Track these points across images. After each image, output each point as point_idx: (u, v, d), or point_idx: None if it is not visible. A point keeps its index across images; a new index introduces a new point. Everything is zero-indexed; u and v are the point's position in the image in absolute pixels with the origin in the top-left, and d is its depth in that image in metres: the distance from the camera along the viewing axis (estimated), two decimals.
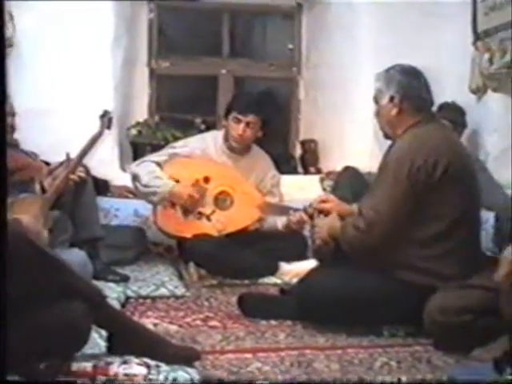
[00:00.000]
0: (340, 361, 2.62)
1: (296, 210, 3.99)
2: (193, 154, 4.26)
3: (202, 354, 2.52)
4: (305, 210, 3.78)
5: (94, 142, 3.55)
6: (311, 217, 3.74)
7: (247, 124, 4.16)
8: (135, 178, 4.15)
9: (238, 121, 4.16)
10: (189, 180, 4.16)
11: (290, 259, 4.08)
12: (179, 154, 4.26)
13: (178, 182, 4.15)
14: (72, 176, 3.38)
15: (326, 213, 3.33)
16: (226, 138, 4.28)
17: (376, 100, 3.15)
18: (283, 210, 4.15)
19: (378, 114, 3.17)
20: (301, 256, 4.13)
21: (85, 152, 3.46)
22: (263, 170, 4.39)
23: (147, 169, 4.14)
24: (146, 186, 4.09)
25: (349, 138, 5.40)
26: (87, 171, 3.62)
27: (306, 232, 4.28)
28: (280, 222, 4.19)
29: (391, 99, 3.06)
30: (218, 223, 4.13)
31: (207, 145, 4.30)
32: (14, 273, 2.18)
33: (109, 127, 3.73)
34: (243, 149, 4.30)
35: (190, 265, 4.01)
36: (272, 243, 4.13)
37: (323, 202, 3.40)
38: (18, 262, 2.20)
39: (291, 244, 4.19)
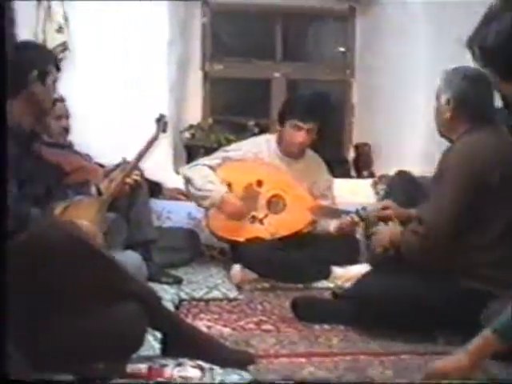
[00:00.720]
0: (394, 367, 2.58)
1: (348, 212, 3.97)
2: (245, 158, 4.27)
3: (256, 358, 2.51)
4: (357, 213, 3.76)
5: (149, 145, 3.56)
6: (363, 219, 3.73)
7: (307, 131, 4.15)
8: (188, 181, 4.18)
9: (299, 128, 4.14)
10: (241, 184, 4.17)
11: (342, 263, 4.05)
12: (232, 157, 4.27)
13: (230, 185, 4.16)
14: (128, 179, 3.40)
15: (386, 220, 3.31)
16: (280, 142, 4.27)
17: (436, 97, 3.11)
18: (335, 212, 4.12)
19: (436, 111, 3.13)
20: (353, 260, 4.11)
21: (141, 155, 3.48)
22: (316, 174, 4.38)
23: (201, 172, 4.16)
24: (199, 189, 4.11)
25: (403, 141, 5.35)
26: (142, 175, 3.64)
27: (359, 235, 4.27)
28: (332, 224, 4.16)
29: (447, 102, 3.03)
30: (270, 227, 4.13)
31: (260, 148, 4.30)
32: (72, 274, 2.23)
33: (164, 131, 3.74)
34: (298, 153, 4.29)
35: (234, 266, 4.00)
36: (324, 247, 4.10)
37: (384, 208, 3.38)
38: (75, 264, 2.23)
39: (343, 248, 4.16)
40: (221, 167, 4.23)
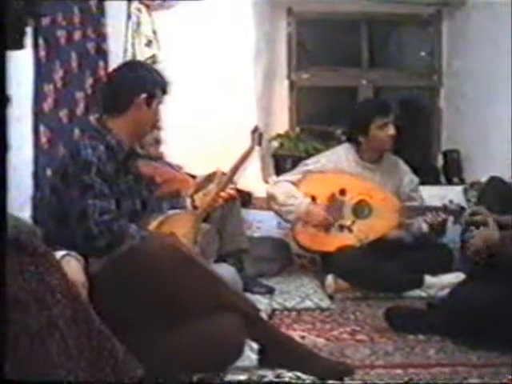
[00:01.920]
0: (494, 379, 2.54)
1: (436, 208, 3.94)
2: (326, 169, 4.27)
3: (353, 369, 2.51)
4: (445, 208, 3.74)
5: (245, 158, 3.53)
6: (452, 213, 3.70)
7: (392, 123, 4.18)
8: (271, 197, 4.22)
9: (386, 124, 4.16)
10: (325, 195, 4.18)
11: (434, 271, 4.01)
12: (312, 170, 4.28)
13: (314, 198, 4.18)
14: (222, 193, 3.38)
15: (477, 225, 3.27)
16: (362, 150, 4.26)
17: None
18: (423, 211, 4.10)
19: None
20: (446, 268, 4.06)
21: (236, 168, 3.45)
22: (399, 176, 4.36)
23: (283, 188, 4.19)
24: (282, 205, 4.15)
25: (493, 147, 5.25)
26: (236, 188, 3.64)
27: (452, 244, 4.22)
28: (424, 225, 4.13)
29: None
30: (359, 233, 4.12)
31: (339, 158, 4.31)
32: (171, 285, 2.27)
33: (259, 144, 3.73)
34: (377, 157, 4.29)
35: (327, 277, 4.00)
36: (416, 255, 4.08)
37: (474, 214, 3.34)
38: (175, 275, 2.27)
39: (436, 256, 4.13)
40: (302, 182, 4.24)
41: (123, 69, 3.15)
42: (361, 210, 4.19)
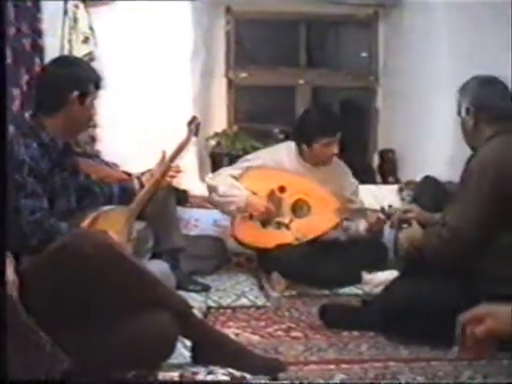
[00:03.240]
0: (425, 374, 2.57)
1: (374, 211, 3.99)
2: (267, 166, 4.28)
3: (286, 366, 2.51)
4: (382, 210, 3.79)
5: (181, 149, 3.53)
6: (389, 216, 3.74)
7: (338, 141, 4.17)
8: (212, 188, 4.20)
9: (330, 143, 4.15)
10: (264, 191, 4.19)
11: (370, 269, 4.05)
12: (253, 166, 4.28)
13: (253, 194, 4.18)
14: (168, 175, 3.40)
15: (408, 222, 3.32)
16: (301, 152, 4.28)
17: (457, 112, 3.14)
18: (361, 212, 4.14)
19: (461, 125, 3.15)
20: (381, 265, 4.11)
21: (173, 159, 3.46)
22: (341, 179, 4.39)
23: (224, 180, 4.19)
24: (223, 195, 4.14)
25: (428, 147, 5.32)
26: (169, 183, 3.63)
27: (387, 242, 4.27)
28: (361, 225, 4.18)
29: (467, 111, 3.04)
30: (297, 231, 4.13)
31: (281, 156, 4.32)
32: (102, 283, 2.25)
33: (196, 134, 3.71)
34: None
35: (274, 274, 4.00)
36: (354, 252, 4.11)
37: (406, 212, 3.40)
38: (105, 272, 2.25)
39: (372, 253, 4.17)
40: (243, 177, 4.24)
41: (54, 65, 3.10)
42: (299, 208, 4.21)
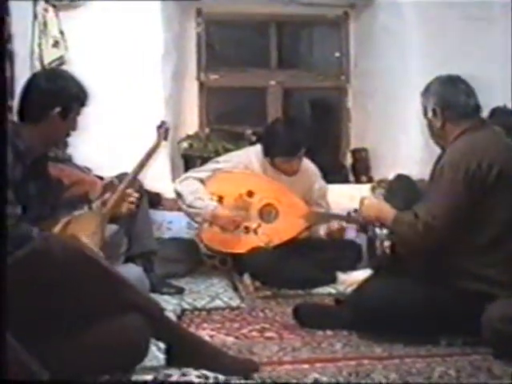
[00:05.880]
0: (398, 371, 2.58)
1: (340, 217, 4.00)
2: (236, 169, 4.27)
3: (259, 366, 2.52)
4: (348, 216, 3.79)
5: (151, 154, 3.51)
6: (353, 222, 3.76)
7: (298, 158, 4.19)
8: (179, 196, 4.20)
9: (290, 160, 4.18)
10: (232, 195, 4.19)
11: (344, 268, 4.08)
12: (222, 168, 4.28)
13: (221, 198, 4.19)
14: (129, 191, 3.31)
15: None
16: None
17: (424, 113, 3.16)
18: (329, 217, 4.14)
19: (428, 126, 3.17)
20: (355, 265, 4.13)
21: (143, 164, 3.42)
22: (309, 182, 4.39)
23: (190, 188, 4.17)
24: (189, 206, 4.14)
25: (400, 145, 5.36)
26: (141, 186, 3.61)
27: (359, 240, 4.29)
28: (322, 229, 4.19)
29: (434, 112, 3.06)
30: (264, 236, 4.14)
31: (250, 160, 4.31)
32: (73, 287, 2.24)
33: (165, 138, 3.70)
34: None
35: (245, 276, 4.01)
36: (327, 253, 4.13)
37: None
38: (76, 277, 2.25)
39: (346, 253, 4.19)
40: (211, 179, 4.24)
41: (41, 78, 3.04)
42: (267, 213, 4.21)
